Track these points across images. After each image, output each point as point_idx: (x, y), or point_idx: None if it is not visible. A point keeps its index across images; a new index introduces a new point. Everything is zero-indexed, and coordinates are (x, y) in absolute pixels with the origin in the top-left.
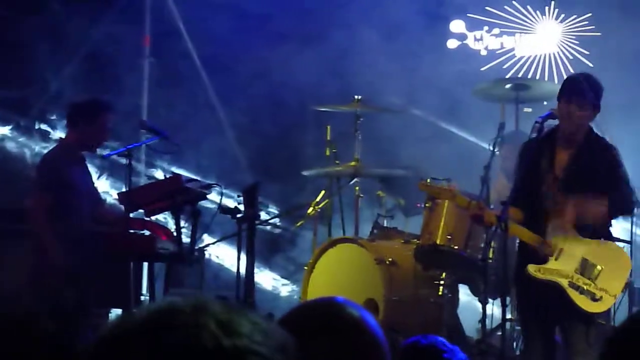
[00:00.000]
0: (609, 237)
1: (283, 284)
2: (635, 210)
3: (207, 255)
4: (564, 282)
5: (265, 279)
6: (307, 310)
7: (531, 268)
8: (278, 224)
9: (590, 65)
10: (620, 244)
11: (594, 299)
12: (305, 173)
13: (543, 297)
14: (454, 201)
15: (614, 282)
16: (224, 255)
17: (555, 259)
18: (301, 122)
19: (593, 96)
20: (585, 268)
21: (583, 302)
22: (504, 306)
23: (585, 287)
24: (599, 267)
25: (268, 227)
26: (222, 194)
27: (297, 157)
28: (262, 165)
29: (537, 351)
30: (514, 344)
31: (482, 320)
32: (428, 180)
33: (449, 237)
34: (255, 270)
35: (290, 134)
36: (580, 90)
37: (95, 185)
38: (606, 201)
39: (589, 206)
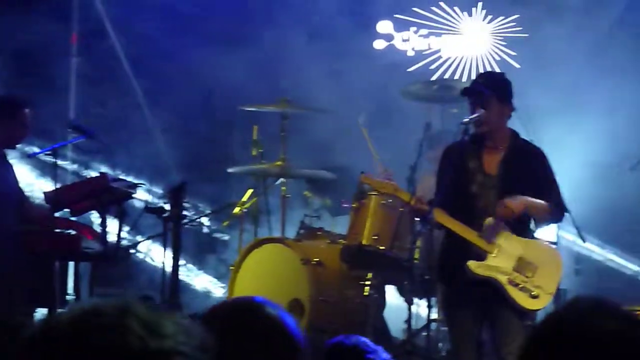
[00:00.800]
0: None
1: (220, 286)
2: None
3: (142, 257)
4: (503, 279)
5: (200, 280)
6: (226, 309)
7: (472, 264)
8: (207, 223)
9: (517, 66)
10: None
11: (532, 295)
12: (230, 170)
13: (474, 295)
14: (396, 195)
15: (549, 280)
16: (160, 256)
17: (494, 256)
18: (232, 123)
19: (492, 92)
20: (522, 265)
21: (522, 299)
22: (429, 307)
23: (522, 284)
24: (534, 265)
25: (205, 230)
26: (150, 193)
27: (228, 157)
28: (193, 166)
29: (466, 350)
30: (439, 344)
31: (408, 320)
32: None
33: (375, 237)
34: (190, 272)
35: (221, 134)
36: (475, 90)
37: (19, 182)
38: (544, 205)
39: (535, 201)
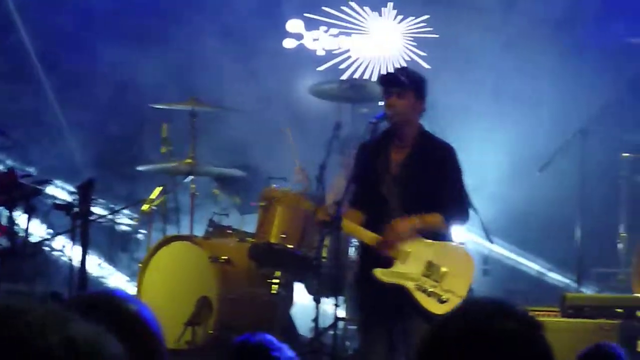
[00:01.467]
0: (448, 239)
1: (133, 284)
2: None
3: (58, 254)
4: (411, 285)
5: (114, 279)
6: (85, 302)
7: (378, 272)
8: (121, 221)
9: (428, 67)
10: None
11: (441, 300)
12: (140, 168)
13: (387, 300)
14: (301, 207)
15: (459, 283)
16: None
17: (402, 262)
18: (144, 121)
19: (410, 83)
20: (431, 270)
21: (430, 304)
22: (336, 305)
23: (431, 290)
24: (444, 269)
25: (120, 228)
26: (62, 189)
27: (139, 155)
28: (106, 163)
29: (376, 353)
30: (346, 342)
31: (315, 319)
32: (273, 186)
33: (283, 236)
34: (104, 270)
35: (133, 132)
36: (394, 78)
37: None
38: (437, 218)
39: (428, 221)
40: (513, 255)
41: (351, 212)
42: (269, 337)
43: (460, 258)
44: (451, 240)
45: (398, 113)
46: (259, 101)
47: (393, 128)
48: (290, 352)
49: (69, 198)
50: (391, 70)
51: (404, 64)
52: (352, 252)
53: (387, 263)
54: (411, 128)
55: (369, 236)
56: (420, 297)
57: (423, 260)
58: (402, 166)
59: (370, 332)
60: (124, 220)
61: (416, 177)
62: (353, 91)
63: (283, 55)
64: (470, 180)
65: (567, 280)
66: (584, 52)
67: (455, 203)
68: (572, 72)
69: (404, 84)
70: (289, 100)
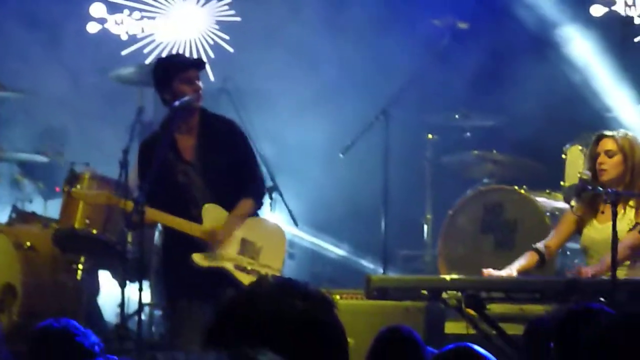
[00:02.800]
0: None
1: None
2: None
3: None
4: (230, 266)
5: None
6: None
7: (196, 257)
8: None
9: (231, 50)
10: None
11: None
12: None
13: (205, 283)
14: (110, 204)
15: (275, 257)
16: None
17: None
18: None
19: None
20: (246, 248)
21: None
22: (140, 291)
23: (250, 267)
24: (258, 245)
25: None
26: None
27: None
28: None
29: (185, 337)
30: (152, 328)
31: (121, 305)
32: (79, 187)
33: (87, 221)
34: None
35: None
36: (202, 62)
37: None
38: (248, 204)
39: (244, 215)
40: (317, 240)
41: (150, 210)
42: (74, 322)
43: (271, 232)
44: (259, 216)
45: (201, 96)
46: (66, 87)
47: (183, 114)
48: (95, 338)
49: None
50: (195, 54)
51: (208, 48)
52: (156, 237)
53: (200, 247)
54: (196, 112)
55: (189, 226)
56: (241, 276)
57: (237, 239)
58: (195, 152)
59: (185, 319)
60: None
61: (214, 161)
62: None
63: (88, 39)
64: (279, 164)
65: (372, 265)
66: (392, 31)
67: (257, 180)
68: (381, 50)
69: (204, 67)
70: (96, 86)
